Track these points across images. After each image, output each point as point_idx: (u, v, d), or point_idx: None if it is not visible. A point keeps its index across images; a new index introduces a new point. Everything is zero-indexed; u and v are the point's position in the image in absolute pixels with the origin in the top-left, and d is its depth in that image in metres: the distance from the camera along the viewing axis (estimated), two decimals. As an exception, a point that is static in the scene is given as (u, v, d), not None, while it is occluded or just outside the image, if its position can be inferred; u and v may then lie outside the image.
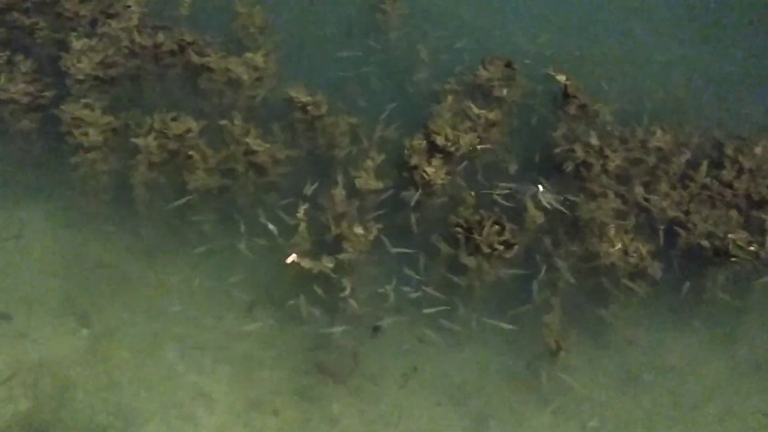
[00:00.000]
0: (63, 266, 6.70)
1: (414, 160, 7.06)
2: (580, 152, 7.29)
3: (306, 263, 6.53)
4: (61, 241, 6.82)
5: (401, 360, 6.51)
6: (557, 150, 7.35)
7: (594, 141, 7.35)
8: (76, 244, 6.80)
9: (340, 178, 6.97)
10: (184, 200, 6.86)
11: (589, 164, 7.25)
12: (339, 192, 6.87)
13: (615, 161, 7.29)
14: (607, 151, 7.30)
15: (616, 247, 6.78)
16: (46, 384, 6.11)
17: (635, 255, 6.78)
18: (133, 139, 7.00)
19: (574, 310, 6.74)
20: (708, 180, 7.30)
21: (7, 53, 7.35)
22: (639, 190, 7.19)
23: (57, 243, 6.81)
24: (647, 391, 6.57)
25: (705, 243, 6.97)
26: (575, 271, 6.82)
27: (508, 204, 7.05)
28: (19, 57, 7.32)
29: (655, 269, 6.79)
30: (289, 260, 6.48)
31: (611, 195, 7.11)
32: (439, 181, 7.02)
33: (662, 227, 7.06)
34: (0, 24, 7.55)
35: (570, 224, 7.02)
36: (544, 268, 6.79)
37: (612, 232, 6.85)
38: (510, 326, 6.61)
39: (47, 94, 7.27)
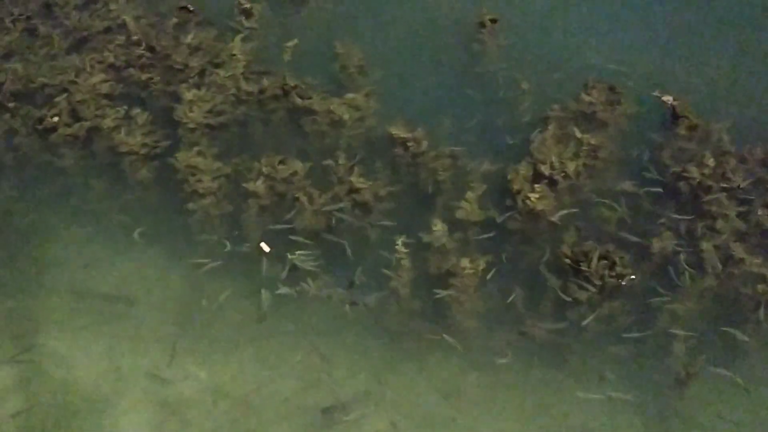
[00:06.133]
0: (178, 311, 6.92)
1: (517, 187, 6.98)
2: (695, 173, 7.00)
3: None
4: (180, 285, 7.06)
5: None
6: (669, 172, 7.08)
7: (709, 161, 7.04)
8: (192, 288, 7.02)
9: (441, 211, 6.98)
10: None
11: (706, 186, 6.95)
12: (441, 225, 6.85)
13: (733, 181, 6.94)
14: (725, 171, 6.98)
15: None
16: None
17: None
18: (244, 184, 7.25)
19: (702, 339, 6.46)
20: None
21: (125, 107, 7.78)
22: (764, 211, 6.85)
23: (176, 288, 7.05)
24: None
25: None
26: (700, 296, 6.56)
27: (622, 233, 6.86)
28: (135, 110, 7.72)
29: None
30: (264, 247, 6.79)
31: (732, 216, 6.79)
32: (545, 209, 6.89)
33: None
34: (119, 80, 8.00)
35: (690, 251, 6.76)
36: (665, 293, 6.57)
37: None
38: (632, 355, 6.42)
39: (162, 144, 7.63)
